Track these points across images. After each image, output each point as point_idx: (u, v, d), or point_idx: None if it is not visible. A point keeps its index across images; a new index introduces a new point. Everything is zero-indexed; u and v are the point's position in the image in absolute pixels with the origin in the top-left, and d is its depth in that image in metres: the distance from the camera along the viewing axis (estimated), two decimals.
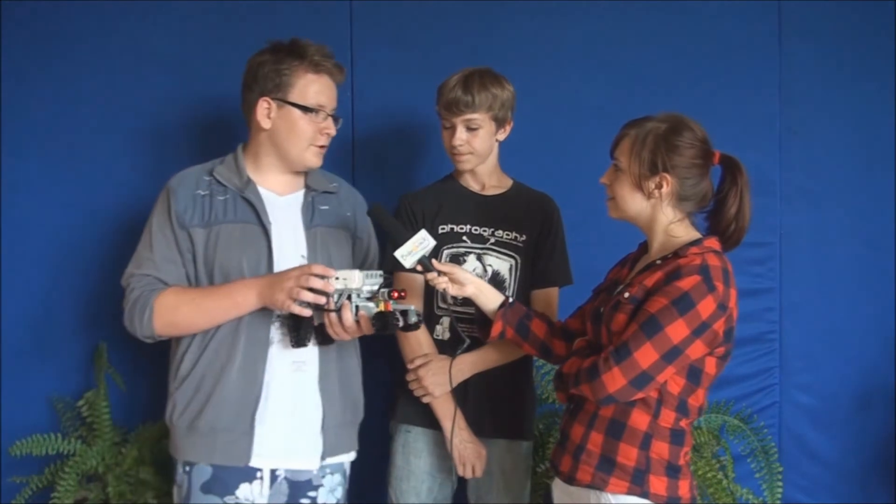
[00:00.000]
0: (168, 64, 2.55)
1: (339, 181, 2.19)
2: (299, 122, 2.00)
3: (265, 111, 2.00)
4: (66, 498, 2.31)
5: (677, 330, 1.65)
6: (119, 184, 2.51)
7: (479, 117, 2.13)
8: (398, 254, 1.88)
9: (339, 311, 1.88)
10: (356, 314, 1.88)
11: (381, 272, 1.94)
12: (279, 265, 1.97)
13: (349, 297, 1.88)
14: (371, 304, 1.89)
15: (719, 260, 1.72)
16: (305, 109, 2.00)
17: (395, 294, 1.88)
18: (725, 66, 2.65)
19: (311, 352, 1.99)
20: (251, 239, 1.98)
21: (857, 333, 2.68)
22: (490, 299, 1.97)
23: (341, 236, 2.10)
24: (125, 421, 2.47)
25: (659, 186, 1.76)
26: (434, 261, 1.93)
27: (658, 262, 1.77)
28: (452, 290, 1.93)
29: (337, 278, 1.86)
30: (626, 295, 1.75)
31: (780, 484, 2.51)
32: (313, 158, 2.05)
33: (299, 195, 2.08)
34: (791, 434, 2.67)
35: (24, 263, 2.50)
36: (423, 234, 1.90)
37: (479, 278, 2.00)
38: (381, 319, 1.87)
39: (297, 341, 1.92)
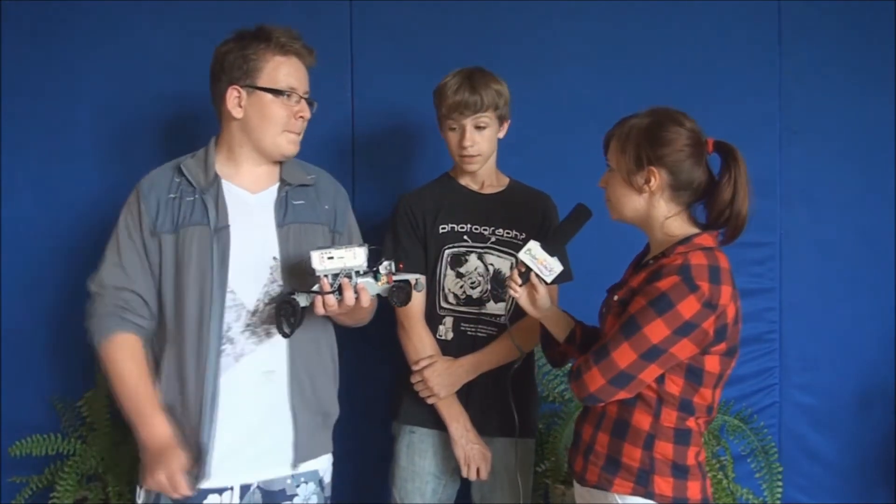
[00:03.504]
0: (168, 64, 2.55)
1: (317, 172, 2.08)
2: (271, 107, 1.93)
3: (235, 100, 1.93)
4: (66, 498, 2.31)
5: (655, 330, 1.65)
6: (119, 184, 2.47)
7: (487, 116, 2.13)
8: (531, 246, 1.85)
9: (336, 291, 1.81)
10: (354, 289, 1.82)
11: (365, 244, 1.87)
12: (240, 271, 1.89)
13: (348, 276, 1.81)
14: (370, 279, 1.84)
15: (706, 258, 1.69)
16: (276, 93, 1.92)
17: (402, 265, 1.87)
18: (725, 66, 2.65)
19: (280, 359, 1.91)
20: (205, 244, 1.88)
21: (857, 333, 2.68)
22: (563, 329, 1.94)
23: (317, 232, 1.99)
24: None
25: (647, 181, 1.75)
26: (533, 276, 1.87)
27: (651, 262, 1.77)
28: (525, 305, 1.91)
29: (331, 257, 1.79)
30: (616, 297, 1.76)
31: (780, 484, 2.51)
32: (288, 146, 1.97)
33: (272, 191, 1.98)
34: (791, 434, 2.67)
35: (24, 263, 2.50)
36: (558, 264, 1.85)
37: (557, 309, 1.96)
38: (402, 292, 1.86)
39: (291, 330, 1.83)
